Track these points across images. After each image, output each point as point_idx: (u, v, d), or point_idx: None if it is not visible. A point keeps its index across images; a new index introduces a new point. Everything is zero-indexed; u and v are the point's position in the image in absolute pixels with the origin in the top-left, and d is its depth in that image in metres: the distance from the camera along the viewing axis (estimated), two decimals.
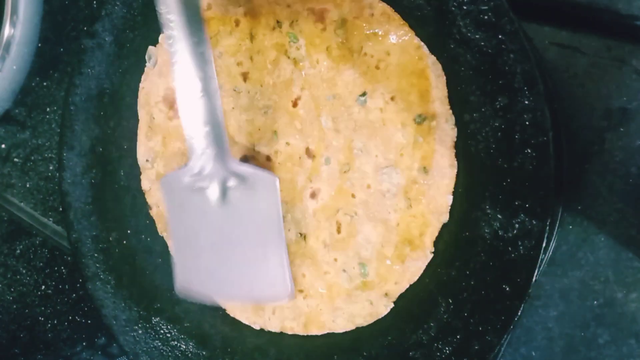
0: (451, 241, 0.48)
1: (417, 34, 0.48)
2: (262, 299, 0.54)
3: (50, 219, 0.74)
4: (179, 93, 0.48)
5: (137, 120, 0.59)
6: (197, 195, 0.52)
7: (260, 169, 0.52)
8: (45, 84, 0.73)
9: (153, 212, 0.60)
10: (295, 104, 0.53)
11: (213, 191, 0.51)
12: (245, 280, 0.53)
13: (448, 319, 0.48)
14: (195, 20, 0.46)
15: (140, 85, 0.59)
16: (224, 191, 0.51)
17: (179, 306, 0.59)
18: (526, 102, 0.44)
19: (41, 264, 0.76)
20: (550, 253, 0.54)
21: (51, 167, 0.74)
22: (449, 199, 0.48)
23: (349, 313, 0.52)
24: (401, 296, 0.50)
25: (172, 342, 0.58)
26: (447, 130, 0.48)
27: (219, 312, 0.57)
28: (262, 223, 0.52)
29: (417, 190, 0.49)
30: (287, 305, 0.54)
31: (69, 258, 0.75)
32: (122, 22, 0.58)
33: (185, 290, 0.55)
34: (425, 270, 0.50)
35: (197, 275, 0.55)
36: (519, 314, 0.45)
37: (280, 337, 0.55)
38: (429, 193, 0.49)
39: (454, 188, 0.48)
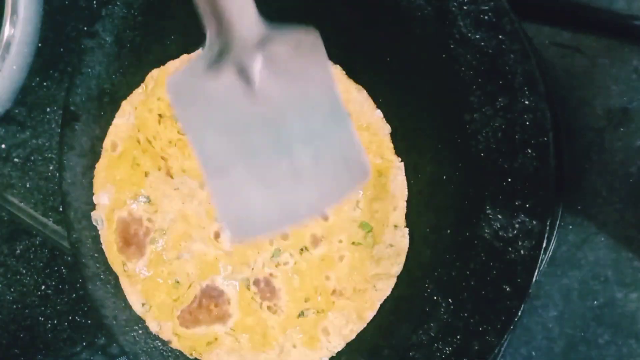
0: (451, 241, 0.48)
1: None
2: (343, 192, 0.42)
3: (50, 219, 0.74)
4: None
5: None
6: (220, 92, 0.38)
7: (293, 27, 0.38)
8: (45, 84, 0.73)
9: None
10: None
11: (240, 78, 0.37)
12: (311, 182, 0.40)
13: (448, 319, 0.48)
14: None
15: None
16: (253, 75, 0.37)
17: None
18: (526, 102, 0.44)
19: (41, 264, 0.76)
20: (550, 253, 0.54)
21: (51, 167, 0.74)
22: None
23: None
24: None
25: None
26: None
27: None
28: (314, 98, 0.39)
29: None
30: None
31: (69, 258, 0.75)
32: (122, 22, 0.58)
33: (242, 237, 0.44)
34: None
35: (246, 207, 0.40)
36: (519, 314, 0.45)
37: None
38: None
39: (454, 188, 0.48)
